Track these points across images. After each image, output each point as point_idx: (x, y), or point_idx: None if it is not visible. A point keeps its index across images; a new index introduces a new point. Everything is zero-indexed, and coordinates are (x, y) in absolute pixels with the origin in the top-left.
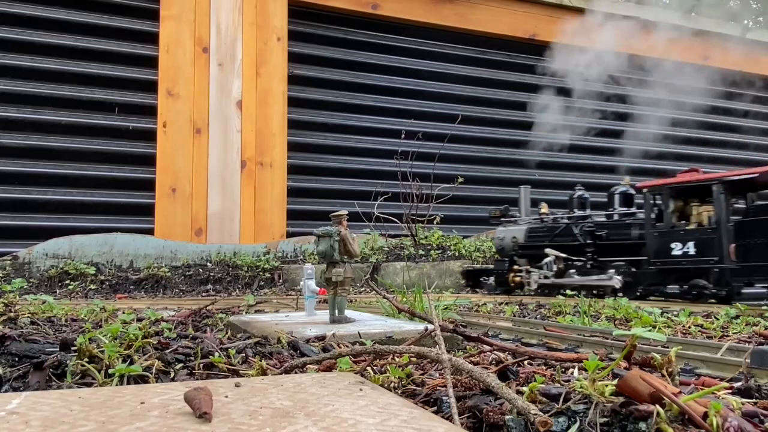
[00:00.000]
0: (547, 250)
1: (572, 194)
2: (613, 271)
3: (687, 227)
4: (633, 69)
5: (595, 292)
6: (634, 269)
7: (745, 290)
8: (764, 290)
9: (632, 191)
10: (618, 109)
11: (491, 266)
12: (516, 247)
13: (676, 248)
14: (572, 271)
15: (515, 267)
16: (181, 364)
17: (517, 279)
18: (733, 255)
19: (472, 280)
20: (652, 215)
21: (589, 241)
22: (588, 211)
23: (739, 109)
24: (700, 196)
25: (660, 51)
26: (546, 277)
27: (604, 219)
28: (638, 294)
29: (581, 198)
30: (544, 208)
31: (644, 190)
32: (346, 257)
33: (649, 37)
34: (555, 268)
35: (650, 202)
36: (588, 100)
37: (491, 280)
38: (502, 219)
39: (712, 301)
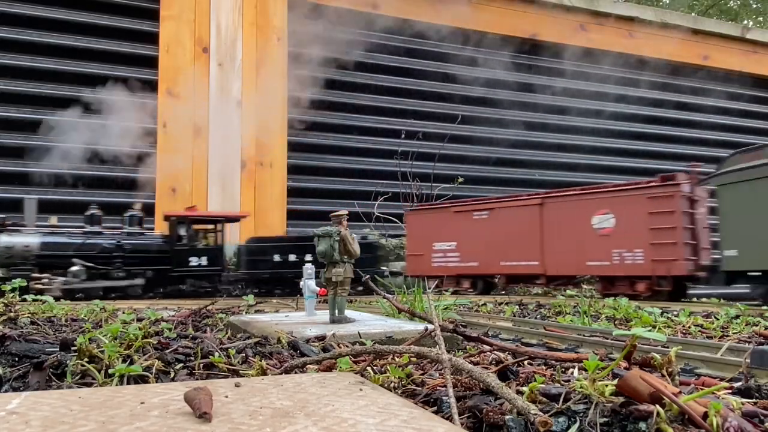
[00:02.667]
0: (75, 260)
1: (86, 212)
2: (140, 278)
3: (201, 246)
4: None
5: (121, 293)
6: (157, 275)
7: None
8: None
9: (141, 214)
10: (614, 108)
11: None
12: (33, 256)
13: (193, 261)
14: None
15: (35, 275)
16: (181, 364)
17: (39, 286)
18: (229, 265)
19: None
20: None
21: (117, 253)
22: (100, 227)
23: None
24: (208, 224)
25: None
26: (73, 283)
27: (122, 235)
28: (161, 292)
29: (94, 216)
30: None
31: (171, 218)
32: (346, 257)
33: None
34: (84, 275)
35: (175, 227)
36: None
37: None
38: (6, 228)
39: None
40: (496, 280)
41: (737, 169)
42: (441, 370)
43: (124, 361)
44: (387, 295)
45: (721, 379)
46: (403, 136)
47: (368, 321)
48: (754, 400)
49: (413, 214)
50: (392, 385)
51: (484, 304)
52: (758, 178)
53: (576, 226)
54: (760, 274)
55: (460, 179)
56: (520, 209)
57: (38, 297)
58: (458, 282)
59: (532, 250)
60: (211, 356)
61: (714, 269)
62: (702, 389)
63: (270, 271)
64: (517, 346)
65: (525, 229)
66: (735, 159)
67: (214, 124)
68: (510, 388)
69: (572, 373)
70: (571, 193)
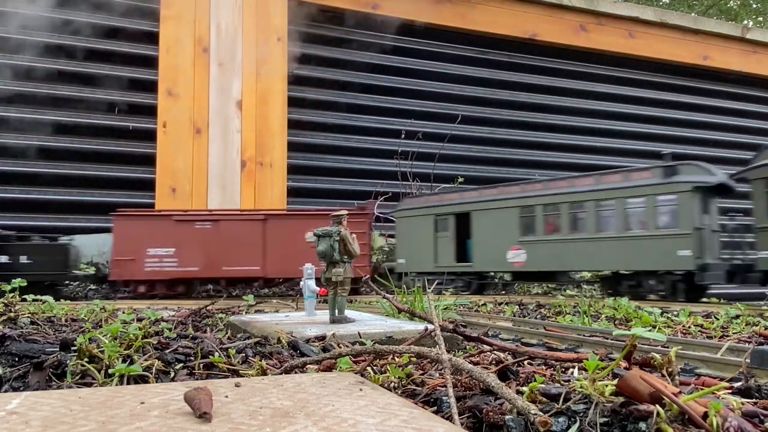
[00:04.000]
0: None
1: None
2: None
3: None
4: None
5: None
6: None
7: None
8: None
9: None
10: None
11: None
12: None
13: None
14: None
15: None
16: (181, 364)
17: None
18: None
19: None
20: None
21: None
22: None
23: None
24: None
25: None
26: None
27: None
28: None
29: None
30: None
31: None
32: (346, 257)
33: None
34: None
35: None
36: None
37: None
38: None
39: None
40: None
41: (406, 208)
42: (441, 370)
43: (124, 361)
44: (387, 295)
45: (721, 379)
46: (403, 136)
47: (368, 321)
48: (754, 400)
49: (121, 219)
50: (392, 385)
51: (484, 304)
52: (412, 216)
53: (292, 239)
54: (416, 273)
55: (460, 179)
56: (246, 222)
57: (38, 297)
58: (172, 286)
59: (254, 257)
60: (211, 356)
61: (392, 270)
62: (702, 389)
63: None
64: (517, 346)
65: (249, 239)
66: (406, 201)
67: (214, 124)
68: (510, 388)
69: (572, 373)
70: (290, 213)
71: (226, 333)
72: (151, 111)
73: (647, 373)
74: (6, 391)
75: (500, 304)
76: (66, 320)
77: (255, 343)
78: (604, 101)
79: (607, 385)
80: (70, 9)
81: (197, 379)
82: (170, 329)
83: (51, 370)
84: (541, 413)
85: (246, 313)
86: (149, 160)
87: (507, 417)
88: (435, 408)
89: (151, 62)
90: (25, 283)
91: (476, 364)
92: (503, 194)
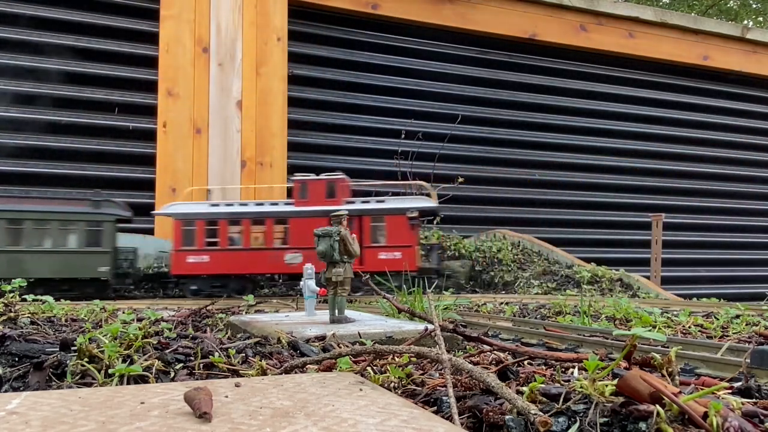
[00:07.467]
0: None
1: None
2: None
3: None
4: None
5: None
6: None
7: None
8: None
9: None
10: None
11: None
12: None
13: None
14: None
15: None
16: (181, 364)
17: None
18: None
19: None
20: None
21: None
22: None
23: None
24: None
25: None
26: None
27: None
28: None
29: None
30: None
31: None
32: (346, 257)
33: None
34: None
35: None
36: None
37: None
38: None
39: None
40: None
41: None
42: (441, 370)
43: (124, 361)
44: (387, 295)
45: (721, 379)
46: (403, 136)
47: (368, 321)
48: (754, 400)
49: None
50: (392, 385)
51: (484, 304)
52: None
53: None
54: None
55: (460, 179)
56: None
57: (38, 297)
58: None
59: None
60: (211, 356)
61: None
62: (702, 389)
63: None
64: (517, 346)
65: None
66: None
67: (214, 124)
68: (510, 388)
69: (572, 373)
70: None
71: (226, 333)
72: (151, 111)
73: (647, 373)
74: (6, 391)
75: (500, 303)
76: (66, 320)
77: (255, 343)
78: (604, 101)
79: (607, 385)
80: (69, 9)
81: (197, 379)
82: (170, 329)
83: (51, 370)
84: (541, 413)
85: (246, 313)
86: (149, 160)
87: (507, 417)
88: (435, 408)
89: (151, 62)
90: (25, 283)
91: (476, 364)
92: None
